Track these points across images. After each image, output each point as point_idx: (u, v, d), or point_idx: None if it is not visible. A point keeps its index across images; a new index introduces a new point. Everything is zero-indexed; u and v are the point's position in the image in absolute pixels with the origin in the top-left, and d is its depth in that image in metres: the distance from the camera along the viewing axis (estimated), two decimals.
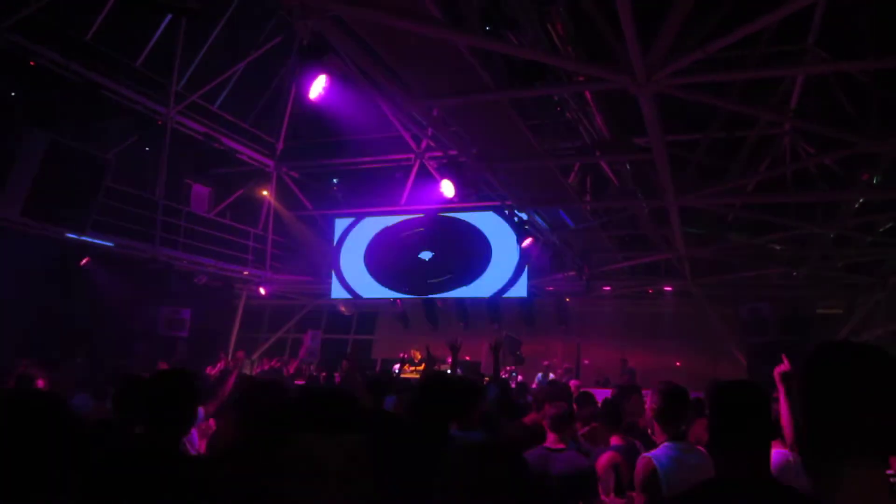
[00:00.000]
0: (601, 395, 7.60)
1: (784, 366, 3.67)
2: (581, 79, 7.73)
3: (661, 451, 3.64)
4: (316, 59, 5.78)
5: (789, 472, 3.74)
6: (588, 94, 9.43)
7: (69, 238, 11.49)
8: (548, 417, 4.71)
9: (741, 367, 15.49)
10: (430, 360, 9.96)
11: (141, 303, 13.46)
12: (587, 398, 6.58)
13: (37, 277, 11.24)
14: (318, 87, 6.20)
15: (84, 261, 12.21)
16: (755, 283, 15.97)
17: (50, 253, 11.49)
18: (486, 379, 9.69)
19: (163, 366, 9.01)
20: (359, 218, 17.29)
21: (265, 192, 17.31)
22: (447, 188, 9.49)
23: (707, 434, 5.10)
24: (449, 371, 10.56)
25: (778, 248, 13.83)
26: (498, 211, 13.01)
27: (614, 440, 5.10)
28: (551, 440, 4.60)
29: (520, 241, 12.00)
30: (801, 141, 10.94)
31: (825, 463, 1.45)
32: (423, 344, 14.21)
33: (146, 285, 13.47)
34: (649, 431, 4.74)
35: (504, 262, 15.81)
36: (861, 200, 11.25)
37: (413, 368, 15.44)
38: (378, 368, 17.47)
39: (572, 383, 11.12)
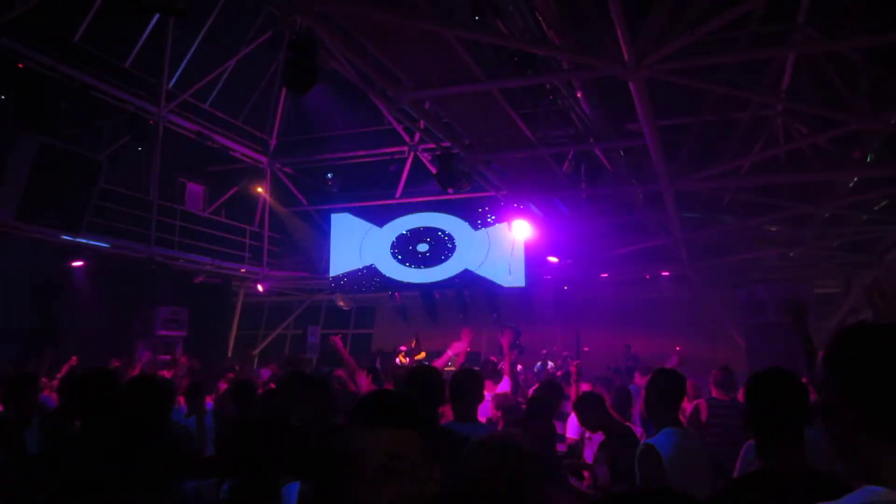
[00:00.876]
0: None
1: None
2: (571, 66, 7.71)
3: (662, 438, 3.60)
4: (304, 54, 5.76)
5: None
6: (577, 85, 9.39)
7: (65, 240, 11.47)
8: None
9: (740, 349, 15.53)
10: (418, 349, 9.95)
11: (138, 304, 13.45)
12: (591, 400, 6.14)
13: (33, 280, 11.25)
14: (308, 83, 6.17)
15: (79, 263, 12.20)
16: (752, 265, 16.01)
17: (45, 255, 11.48)
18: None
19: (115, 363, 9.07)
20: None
21: (259, 189, 17.28)
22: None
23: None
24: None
25: (774, 229, 13.84)
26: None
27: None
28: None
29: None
30: (794, 121, 10.92)
31: (864, 445, 1.45)
32: (421, 336, 14.27)
33: (143, 286, 13.45)
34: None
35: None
36: (855, 179, 11.25)
37: (417, 358, 15.47)
38: (378, 362, 17.48)
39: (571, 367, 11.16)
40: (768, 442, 2.47)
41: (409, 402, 1.75)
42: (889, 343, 1.44)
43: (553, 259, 14.85)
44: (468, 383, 3.96)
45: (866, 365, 1.45)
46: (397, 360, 15.84)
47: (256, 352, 19.43)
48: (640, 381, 8.42)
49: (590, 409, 5.17)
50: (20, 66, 10.38)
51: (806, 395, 2.57)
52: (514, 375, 7.65)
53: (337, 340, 6.59)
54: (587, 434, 5.60)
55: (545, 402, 5.32)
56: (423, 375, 3.63)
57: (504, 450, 2.08)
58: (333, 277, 17.14)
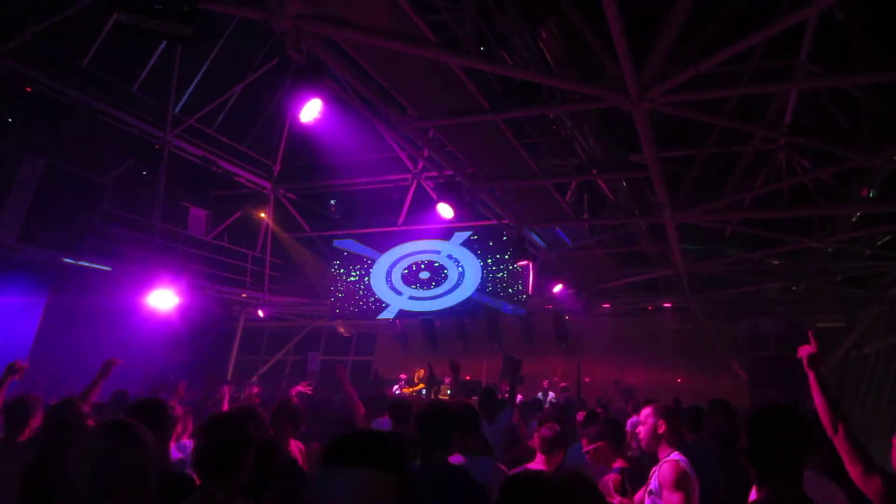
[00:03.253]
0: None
1: (810, 347, 3.41)
2: (575, 97, 7.76)
3: (680, 457, 3.95)
4: (310, 82, 5.80)
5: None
6: (581, 117, 9.45)
7: (67, 263, 11.48)
8: (541, 438, 4.68)
9: (742, 383, 15.45)
10: (431, 379, 9.93)
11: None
12: (594, 416, 6.57)
13: (32, 302, 11.25)
14: (312, 110, 6.21)
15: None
16: (754, 298, 15.97)
17: (46, 277, 11.48)
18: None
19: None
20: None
21: (263, 215, 17.33)
22: (445, 210, 9.51)
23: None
24: (450, 391, 10.57)
25: (776, 262, 13.83)
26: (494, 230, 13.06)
27: (617, 463, 5.02)
28: (539, 461, 4.57)
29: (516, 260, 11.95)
30: (796, 155, 10.97)
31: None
32: (425, 363, 14.16)
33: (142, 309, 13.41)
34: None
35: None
36: (858, 214, 11.27)
37: (411, 389, 15.38)
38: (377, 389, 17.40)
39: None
40: (769, 476, 2.49)
41: (383, 442, 1.73)
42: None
43: (556, 289, 14.81)
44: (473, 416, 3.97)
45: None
46: (395, 388, 15.79)
47: (256, 377, 19.34)
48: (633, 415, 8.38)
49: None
50: (28, 89, 10.47)
51: (804, 428, 2.58)
52: (513, 403, 7.66)
53: (340, 368, 6.55)
54: None
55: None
56: (430, 413, 3.55)
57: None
58: (335, 300, 17.10)
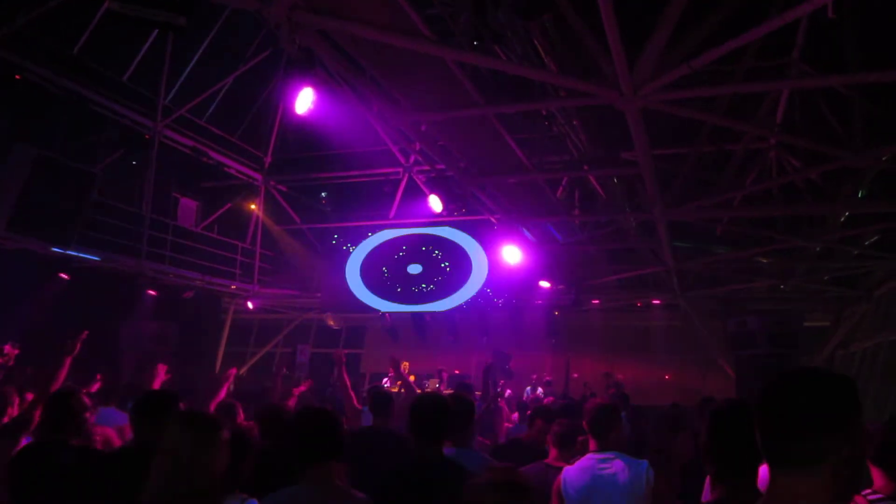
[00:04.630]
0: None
1: None
2: (568, 93, 7.77)
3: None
4: (303, 74, 5.77)
5: None
6: (573, 112, 9.47)
7: (54, 252, 11.41)
8: (552, 434, 4.68)
9: (730, 380, 15.51)
10: (397, 375, 9.83)
11: (126, 318, 13.37)
12: (570, 409, 6.58)
13: (20, 292, 11.18)
14: (304, 101, 6.19)
15: (63, 276, 12.09)
16: (743, 296, 16.04)
17: (33, 267, 11.42)
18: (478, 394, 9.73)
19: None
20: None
21: (253, 206, 17.27)
22: (435, 203, 9.51)
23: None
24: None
25: (765, 261, 13.89)
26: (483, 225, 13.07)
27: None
28: (553, 456, 4.58)
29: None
30: (787, 154, 11.02)
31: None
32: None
33: (131, 300, 13.39)
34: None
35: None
36: (846, 214, 11.33)
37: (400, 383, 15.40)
38: (367, 383, 17.41)
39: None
40: (724, 474, 2.49)
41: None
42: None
43: (545, 284, 14.84)
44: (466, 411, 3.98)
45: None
46: (384, 382, 15.79)
47: (245, 369, 19.29)
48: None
49: None
50: (17, 77, 10.38)
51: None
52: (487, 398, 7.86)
53: (338, 353, 6.56)
54: None
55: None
56: (424, 406, 3.55)
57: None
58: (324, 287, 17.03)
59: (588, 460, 3.73)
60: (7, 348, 5.12)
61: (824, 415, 1.45)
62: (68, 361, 4.61)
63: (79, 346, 4.67)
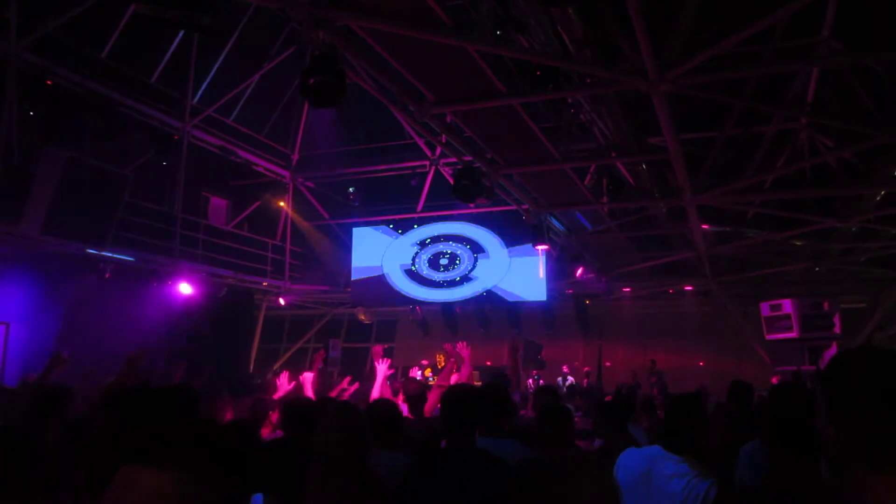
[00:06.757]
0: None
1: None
2: (593, 80, 7.70)
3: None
4: (326, 70, 5.78)
5: None
6: (599, 99, 9.37)
7: (90, 254, 11.60)
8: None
9: (765, 366, 15.33)
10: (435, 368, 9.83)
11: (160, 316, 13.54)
12: (547, 391, 6.26)
13: (60, 293, 11.39)
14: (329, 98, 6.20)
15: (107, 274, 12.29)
16: (777, 280, 15.82)
17: (71, 268, 11.61)
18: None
19: None
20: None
21: (282, 203, 17.40)
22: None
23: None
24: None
25: (799, 243, 13.68)
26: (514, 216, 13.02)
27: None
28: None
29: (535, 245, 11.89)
30: (818, 135, 10.81)
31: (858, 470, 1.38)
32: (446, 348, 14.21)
33: (165, 298, 13.55)
34: None
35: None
36: (882, 193, 11.10)
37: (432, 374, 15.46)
38: (398, 376, 17.48)
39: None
40: (785, 455, 2.46)
41: None
42: (876, 370, 1.38)
43: (576, 273, 14.77)
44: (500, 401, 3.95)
45: (850, 390, 1.39)
46: (416, 370, 15.88)
47: (278, 365, 19.48)
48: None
49: None
50: (48, 82, 10.56)
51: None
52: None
53: (378, 351, 6.57)
54: None
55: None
56: (454, 397, 3.53)
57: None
58: (354, 283, 17.06)
59: (655, 450, 3.27)
60: (65, 354, 5.16)
61: None
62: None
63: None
